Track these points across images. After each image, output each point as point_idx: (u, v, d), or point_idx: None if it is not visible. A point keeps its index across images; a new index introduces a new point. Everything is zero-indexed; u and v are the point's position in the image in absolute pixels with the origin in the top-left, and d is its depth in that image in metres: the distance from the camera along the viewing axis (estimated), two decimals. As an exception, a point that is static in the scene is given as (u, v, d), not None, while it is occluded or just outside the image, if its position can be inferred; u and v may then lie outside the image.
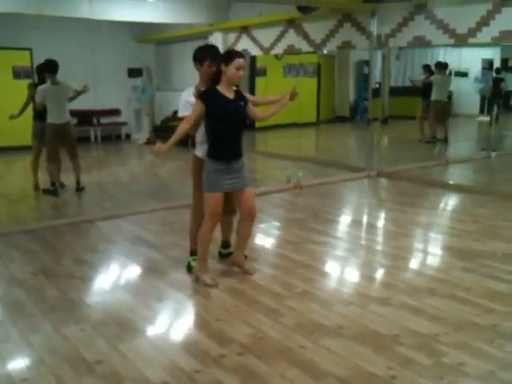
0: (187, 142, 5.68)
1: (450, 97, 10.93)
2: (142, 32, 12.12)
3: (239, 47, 9.84)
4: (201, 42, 4.47)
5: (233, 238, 4.50)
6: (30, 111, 7.19)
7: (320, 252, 4.76)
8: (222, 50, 4.48)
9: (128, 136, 12.79)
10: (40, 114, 6.90)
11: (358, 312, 3.52)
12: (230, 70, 3.71)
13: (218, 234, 4.34)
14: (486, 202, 6.39)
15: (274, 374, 2.80)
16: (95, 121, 12.21)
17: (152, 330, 3.37)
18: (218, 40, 10.11)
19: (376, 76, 9.16)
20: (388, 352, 3.00)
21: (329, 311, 3.53)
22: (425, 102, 10.69)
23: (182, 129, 3.75)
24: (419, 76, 11.34)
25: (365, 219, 6.07)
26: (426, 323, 3.33)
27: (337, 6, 7.78)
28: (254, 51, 9.93)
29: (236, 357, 2.97)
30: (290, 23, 9.07)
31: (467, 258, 4.47)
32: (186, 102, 3.93)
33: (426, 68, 10.90)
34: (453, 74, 11.15)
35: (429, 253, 4.81)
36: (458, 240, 5.00)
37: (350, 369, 2.84)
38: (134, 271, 4.43)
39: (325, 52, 12.10)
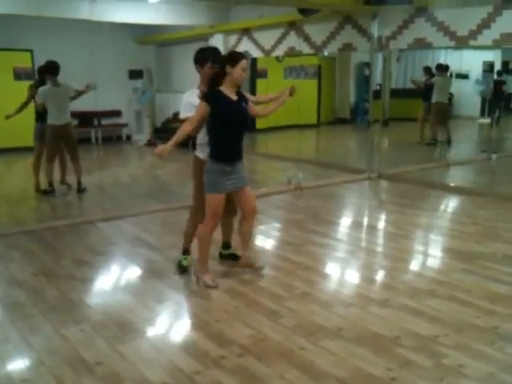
0: (188, 143, 5.68)
1: (450, 99, 10.93)
2: (143, 33, 12.13)
3: (240, 49, 9.84)
4: (201, 44, 4.48)
5: (233, 239, 4.51)
6: (31, 113, 7.21)
7: (320, 253, 4.75)
8: (222, 51, 4.49)
9: (129, 137, 12.80)
10: (41, 116, 6.92)
11: (358, 313, 3.52)
12: (237, 72, 3.72)
13: (216, 235, 4.33)
14: (487, 204, 6.38)
15: (273, 375, 2.80)
16: (96, 122, 12.22)
17: (152, 331, 3.37)
18: (218, 42, 10.12)
19: (377, 78, 9.14)
20: (388, 353, 2.99)
21: (329, 313, 3.53)
22: (426, 105, 10.68)
23: (184, 130, 3.73)
24: (420, 78, 11.34)
25: (365, 221, 6.06)
26: (426, 325, 3.33)
27: (338, 8, 7.78)
28: (255, 53, 9.93)
29: (236, 358, 2.97)
30: (291, 25, 9.08)
31: (468, 260, 4.47)
32: (187, 103, 3.91)
33: (427, 70, 10.89)
34: (454, 76, 11.15)
35: (429, 254, 4.81)
36: (459, 242, 5.00)
37: (349, 370, 2.83)
38: (134, 272, 4.43)
39: (325, 54, 12.09)
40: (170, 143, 3.69)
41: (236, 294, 3.84)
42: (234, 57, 3.78)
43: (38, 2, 7.97)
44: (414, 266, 4.53)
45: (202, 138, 3.97)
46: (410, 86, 13.09)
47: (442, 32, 7.05)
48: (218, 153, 3.81)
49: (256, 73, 12.34)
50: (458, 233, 5.31)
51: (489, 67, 11.76)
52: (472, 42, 6.83)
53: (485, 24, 6.58)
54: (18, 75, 10.54)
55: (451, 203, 6.92)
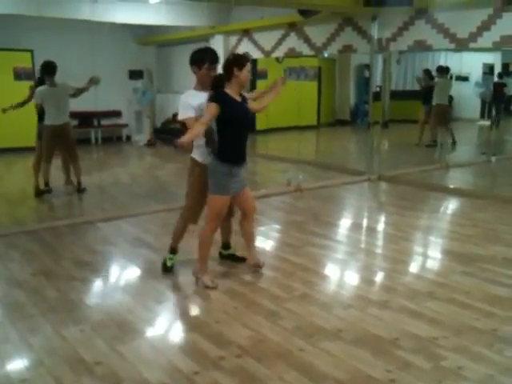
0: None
1: (450, 101, 10.93)
2: (144, 34, 12.14)
3: (240, 50, 9.86)
4: (202, 45, 4.46)
5: (233, 239, 4.52)
6: (31, 113, 7.20)
7: (320, 255, 4.76)
8: (223, 52, 4.49)
9: (128, 138, 12.80)
10: (39, 116, 6.92)
11: (358, 315, 3.52)
12: (244, 74, 3.79)
13: (216, 236, 4.32)
14: (486, 206, 6.39)
15: (272, 376, 2.80)
16: (96, 122, 12.22)
17: (151, 332, 3.37)
18: (219, 43, 10.12)
19: (377, 80, 9.14)
20: (387, 355, 2.99)
21: (328, 314, 3.53)
22: (426, 107, 10.69)
23: (197, 130, 3.66)
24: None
25: (365, 222, 6.06)
26: (425, 327, 3.33)
27: (338, 9, 7.79)
28: (255, 54, 9.93)
29: (235, 359, 2.97)
30: (291, 26, 9.08)
31: (467, 262, 4.47)
32: (186, 104, 3.90)
33: (427, 73, 10.91)
34: (454, 79, 11.16)
35: (428, 256, 4.82)
36: (458, 244, 5.00)
37: (349, 372, 2.84)
38: (133, 273, 4.43)
39: (326, 55, 12.10)
40: (188, 137, 3.61)
41: (235, 295, 3.85)
42: (241, 60, 3.83)
43: (39, 2, 7.97)
44: (414, 267, 4.54)
45: (199, 140, 3.97)
46: (409, 87, 13.12)
47: (442, 34, 7.06)
48: (229, 155, 3.84)
49: (256, 74, 12.34)
50: (457, 235, 5.32)
51: (489, 69, 11.77)
52: (472, 45, 6.84)
53: (485, 26, 6.59)
54: (18, 75, 10.55)
55: (451, 205, 6.92)
